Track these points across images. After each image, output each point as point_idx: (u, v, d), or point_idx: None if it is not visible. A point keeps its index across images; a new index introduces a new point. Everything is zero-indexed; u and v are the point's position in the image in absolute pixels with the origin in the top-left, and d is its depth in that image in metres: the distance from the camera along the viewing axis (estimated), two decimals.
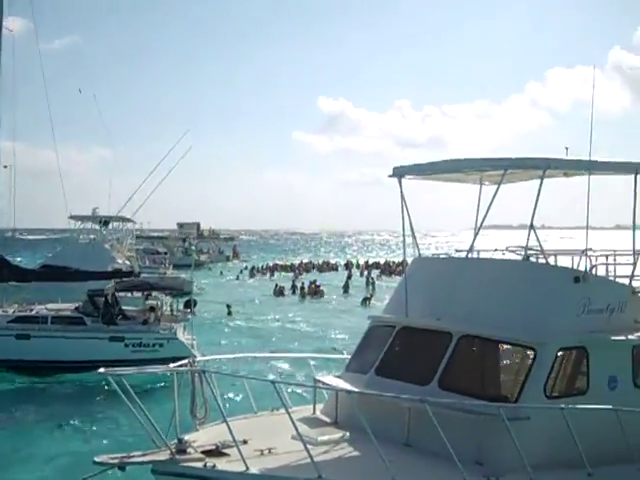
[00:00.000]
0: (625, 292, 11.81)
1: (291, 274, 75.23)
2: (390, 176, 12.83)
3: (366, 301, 49.09)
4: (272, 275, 77.85)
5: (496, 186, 12.13)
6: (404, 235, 12.87)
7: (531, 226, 11.64)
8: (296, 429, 9.45)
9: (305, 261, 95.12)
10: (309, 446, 9.29)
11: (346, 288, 60.40)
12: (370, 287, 60.98)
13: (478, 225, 13.00)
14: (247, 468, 8.88)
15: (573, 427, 9.73)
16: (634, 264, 12.33)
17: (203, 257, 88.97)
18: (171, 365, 10.27)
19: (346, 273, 73.36)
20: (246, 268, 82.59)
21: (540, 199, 11.49)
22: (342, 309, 48.20)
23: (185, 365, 10.57)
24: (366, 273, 74.23)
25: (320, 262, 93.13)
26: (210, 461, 9.07)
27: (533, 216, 11.53)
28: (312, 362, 14.31)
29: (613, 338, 11.14)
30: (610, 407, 10.26)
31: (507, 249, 12.77)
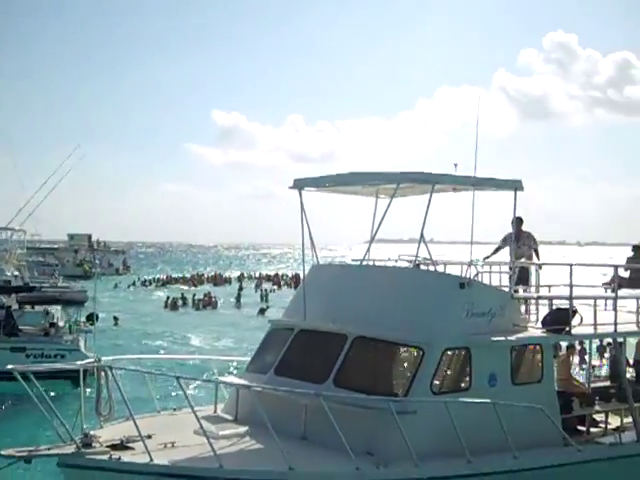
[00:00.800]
0: (505, 297, 12.73)
1: (185, 287, 74.86)
2: (291, 187, 13.39)
3: (262, 312, 49.43)
4: (164, 287, 77.28)
5: (390, 199, 12.98)
6: (303, 244, 13.42)
7: (421, 236, 12.45)
8: (199, 421, 9.90)
9: (199, 273, 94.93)
10: (211, 440, 9.71)
11: (238, 299, 61.02)
12: (264, 299, 61.62)
13: (373, 234, 13.74)
14: (151, 459, 9.23)
15: (456, 420, 10.52)
16: (513, 272, 13.31)
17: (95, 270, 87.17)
18: (78, 362, 10.50)
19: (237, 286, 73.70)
20: (138, 280, 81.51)
21: (431, 213, 12.29)
22: (234, 321, 48.44)
23: (92, 363, 10.80)
24: (262, 286, 75.09)
25: (213, 274, 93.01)
26: (115, 454, 9.36)
27: (423, 227, 12.33)
28: (215, 369, 14.52)
29: (494, 339, 11.98)
30: (488, 401, 11.10)
31: (399, 257, 13.61)
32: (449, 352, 11.66)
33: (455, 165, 13.02)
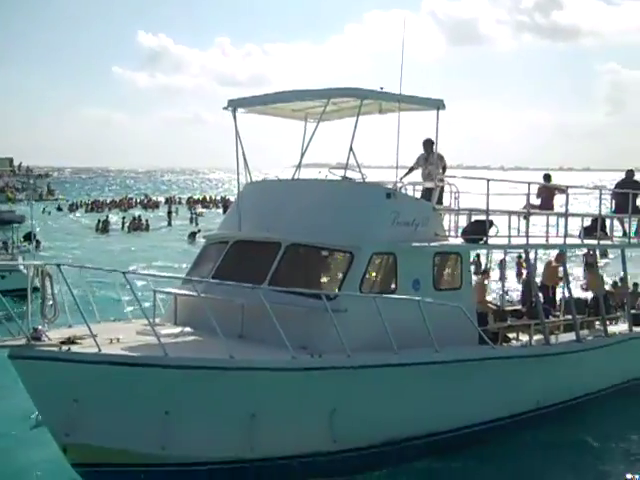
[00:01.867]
0: (428, 209, 13.52)
1: (114, 210, 74.22)
2: (224, 108, 13.76)
3: (193, 235, 49.04)
4: (93, 211, 76.42)
5: (320, 122, 13.75)
6: (238, 163, 13.84)
7: (350, 149, 13.10)
8: (147, 320, 10.56)
9: (127, 197, 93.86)
10: (151, 338, 10.24)
11: (169, 222, 61.07)
12: (194, 222, 61.79)
13: (303, 152, 14.15)
14: (99, 350, 9.72)
15: (384, 317, 11.36)
16: (436, 187, 13.98)
17: (20, 195, 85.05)
18: (25, 261, 10.78)
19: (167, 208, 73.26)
20: (66, 203, 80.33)
21: (358, 137, 12.83)
22: (166, 244, 48.59)
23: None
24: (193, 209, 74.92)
25: (142, 198, 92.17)
26: (65, 347, 9.81)
27: (352, 140, 12.99)
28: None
29: (417, 245, 12.86)
30: (414, 298, 12.02)
31: (329, 171, 14.24)
32: (376, 256, 12.42)
33: (381, 88, 13.50)
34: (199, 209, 77.29)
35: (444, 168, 14.92)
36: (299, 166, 14.39)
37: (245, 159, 14.00)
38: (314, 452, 11.16)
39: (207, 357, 10.37)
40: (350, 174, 13.54)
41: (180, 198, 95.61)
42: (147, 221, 60.33)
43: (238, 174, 14.17)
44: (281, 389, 10.69)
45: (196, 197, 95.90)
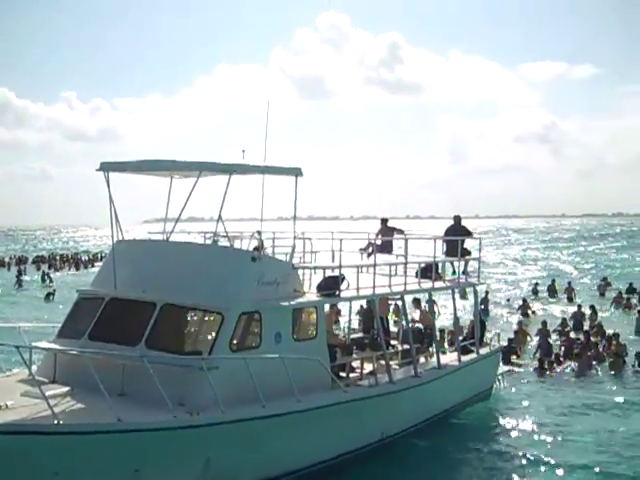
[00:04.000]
0: (287, 268, 14.99)
1: None
2: (97, 170, 14.40)
3: (49, 296, 47.61)
4: None
5: (185, 178, 15.14)
6: (112, 222, 14.60)
7: (219, 217, 14.52)
8: (34, 378, 11.07)
9: None
10: (38, 400, 10.84)
11: (20, 284, 58.97)
12: (46, 281, 60.23)
13: (180, 212, 15.16)
14: None
15: (252, 372, 12.57)
16: (293, 248, 15.42)
17: None
18: None
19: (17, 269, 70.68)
20: None
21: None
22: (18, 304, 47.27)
23: None
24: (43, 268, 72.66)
25: None
26: None
27: (221, 207, 14.35)
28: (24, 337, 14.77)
29: (279, 304, 14.20)
30: (276, 356, 13.32)
31: (199, 234, 15.58)
32: (244, 316, 13.68)
33: (243, 151, 14.99)
34: (52, 268, 74.91)
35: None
36: (175, 224, 15.40)
37: (117, 217, 14.59)
38: None
39: (97, 422, 11.00)
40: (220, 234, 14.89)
41: (27, 257, 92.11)
42: None
43: (113, 233, 14.79)
44: (163, 444, 11.54)
45: (47, 255, 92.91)
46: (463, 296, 23.46)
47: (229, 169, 14.31)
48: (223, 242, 15.70)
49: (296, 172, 15.19)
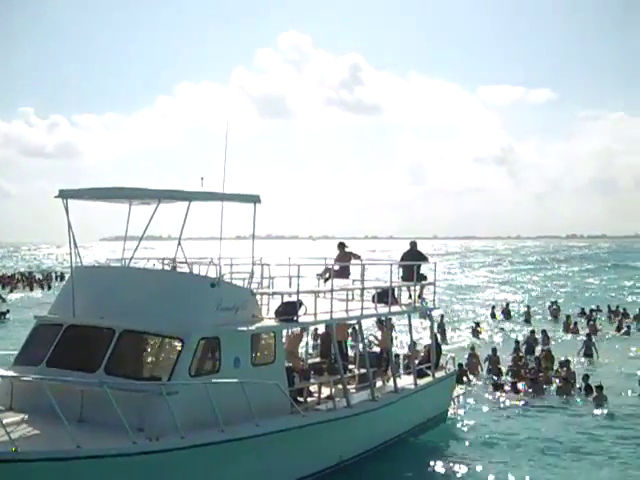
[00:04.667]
0: (246, 294, 15.18)
1: None
2: (56, 197, 14.44)
3: (2, 316, 45.70)
4: None
5: (143, 205, 15.19)
6: (71, 247, 14.68)
7: (179, 243, 14.75)
8: None
9: None
10: None
11: None
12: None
13: (131, 238, 15.56)
14: None
15: (211, 397, 12.73)
16: (251, 275, 15.62)
17: None
18: None
19: None
20: None
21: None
22: None
23: None
24: None
25: None
26: None
27: (181, 234, 14.62)
28: None
29: (238, 329, 14.35)
30: (236, 380, 13.48)
31: (158, 260, 15.73)
32: (203, 341, 13.79)
33: (202, 179, 15.18)
34: (5, 288, 73.38)
35: None
36: (136, 250, 15.59)
37: (75, 243, 14.65)
38: None
39: (56, 449, 11.01)
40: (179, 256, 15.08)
41: None
42: None
43: (72, 259, 14.86)
44: (123, 471, 11.61)
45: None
46: (422, 315, 23.94)
47: (188, 197, 14.51)
48: (182, 268, 15.88)
49: (254, 199, 15.42)
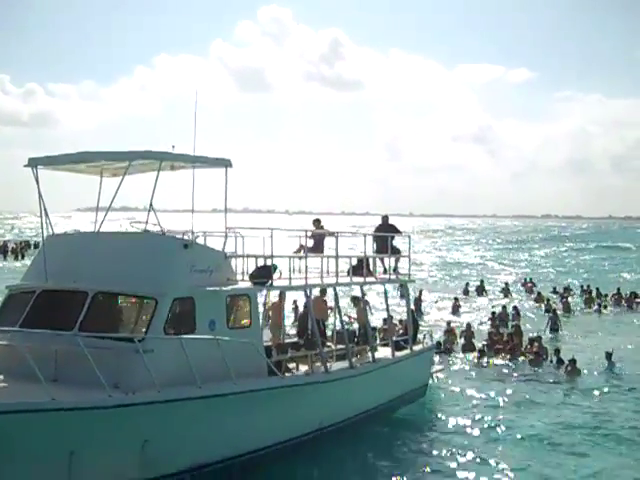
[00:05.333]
0: (220, 257, 15.09)
1: None
2: (25, 166, 14.39)
3: None
4: None
5: (115, 177, 15.02)
6: (42, 216, 14.70)
7: (150, 206, 14.63)
8: None
9: None
10: None
11: None
12: None
13: (103, 208, 15.33)
14: None
15: (188, 356, 12.72)
16: (225, 237, 15.45)
17: None
18: None
19: None
20: None
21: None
22: None
23: None
24: None
25: None
26: None
27: (152, 198, 14.58)
28: None
29: (212, 289, 14.33)
30: (212, 337, 13.51)
31: (130, 223, 15.57)
32: (177, 301, 13.76)
33: (173, 147, 14.93)
34: None
35: None
36: (104, 218, 15.30)
37: (46, 212, 14.67)
38: None
39: (30, 401, 10.93)
40: (150, 226, 15.01)
41: None
42: None
43: (43, 228, 14.86)
44: (99, 425, 11.53)
45: None
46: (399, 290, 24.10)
47: (158, 157, 14.46)
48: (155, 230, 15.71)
49: (225, 163, 15.30)
